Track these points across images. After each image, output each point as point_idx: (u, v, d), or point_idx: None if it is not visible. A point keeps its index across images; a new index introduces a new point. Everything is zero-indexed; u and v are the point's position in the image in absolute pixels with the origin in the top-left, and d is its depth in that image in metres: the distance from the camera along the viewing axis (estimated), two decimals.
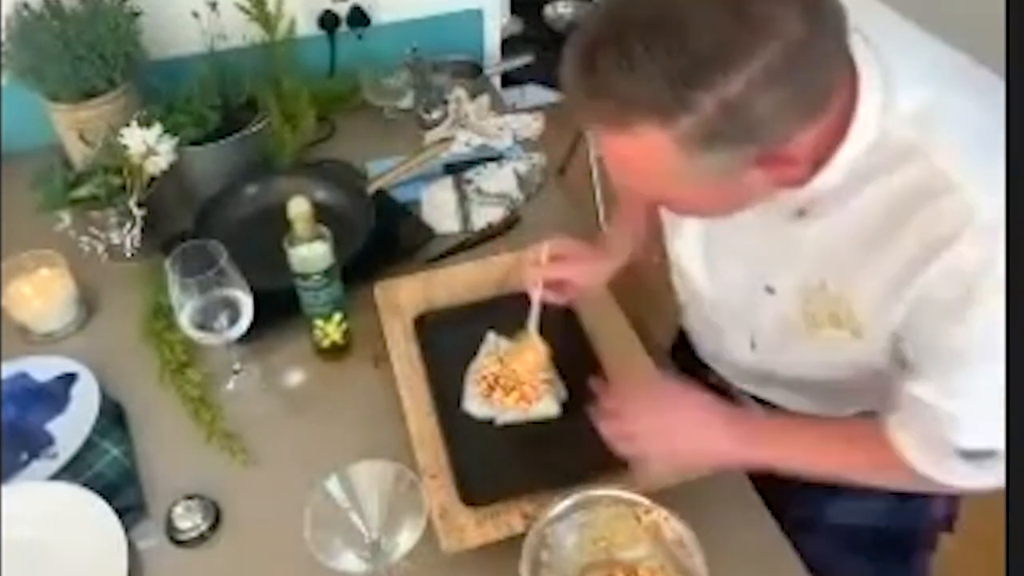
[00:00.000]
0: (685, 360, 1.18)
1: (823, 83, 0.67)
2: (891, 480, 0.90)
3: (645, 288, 1.16)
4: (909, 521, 1.13)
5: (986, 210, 0.68)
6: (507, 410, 1.05)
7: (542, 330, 1.07)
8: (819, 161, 0.74)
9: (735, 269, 0.95)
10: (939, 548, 1.19)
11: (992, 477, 0.81)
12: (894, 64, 0.72)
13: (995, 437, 0.76)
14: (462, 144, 1.52)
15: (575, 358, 1.11)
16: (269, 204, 1.34)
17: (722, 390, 1.11)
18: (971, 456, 0.79)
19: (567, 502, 0.90)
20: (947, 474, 0.82)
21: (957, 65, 0.78)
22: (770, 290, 0.90)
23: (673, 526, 0.88)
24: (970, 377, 0.76)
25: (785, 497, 0.99)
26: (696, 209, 0.83)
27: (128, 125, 1.25)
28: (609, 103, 0.66)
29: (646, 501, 0.89)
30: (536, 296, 1.05)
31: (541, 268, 1.05)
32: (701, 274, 1.00)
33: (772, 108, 0.63)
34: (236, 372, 1.15)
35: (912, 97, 0.72)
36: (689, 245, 1.00)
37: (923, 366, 0.79)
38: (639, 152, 0.68)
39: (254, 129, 1.40)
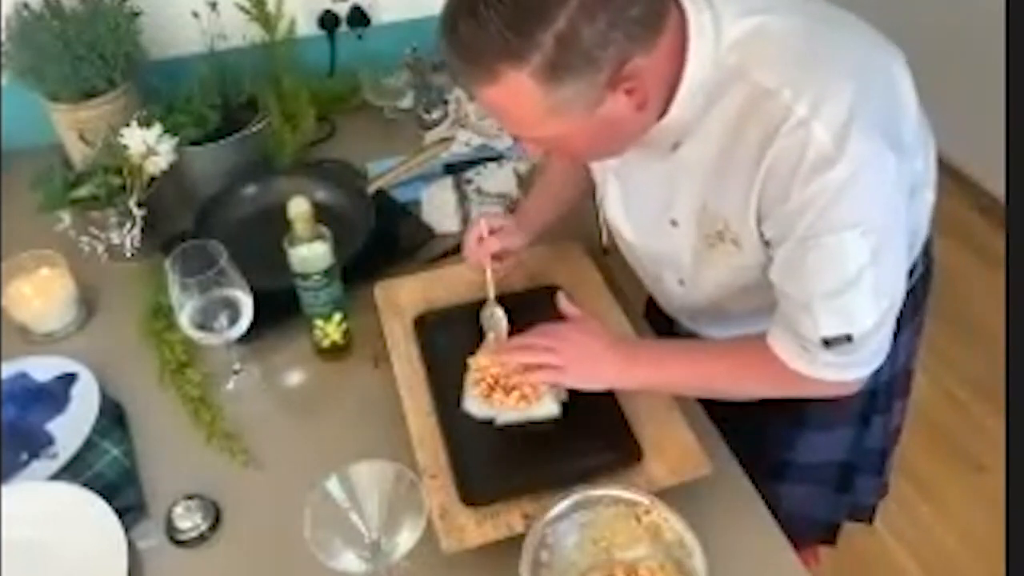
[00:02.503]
0: (657, 317, 1.25)
1: (637, 14, 0.77)
2: (768, 382, 0.97)
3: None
4: (873, 442, 1.22)
5: (799, 108, 0.79)
6: (507, 410, 1.05)
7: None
8: (669, 93, 0.85)
9: (645, 213, 1.05)
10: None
11: (856, 369, 0.91)
12: (721, 5, 0.84)
13: (846, 322, 0.86)
14: (462, 144, 1.52)
15: None
16: (269, 204, 1.34)
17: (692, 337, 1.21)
18: (830, 344, 0.87)
19: (567, 502, 0.90)
20: (812, 365, 0.90)
21: (795, 3, 0.88)
22: (674, 223, 0.99)
23: (673, 526, 0.88)
24: (800, 257, 0.85)
25: (757, 442, 1.05)
26: (586, 147, 0.92)
27: (128, 125, 1.25)
28: (473, 59, 0.78)
29: (646, 501, 0.89)
30: (490, 269, 1.15)
31: (487, 242, 1.15)
32: (625, 226, 1.08)
33: (598, 35, 0.74)
34: (236, 372, 1.15)
35: (738, 28, 0.84)
36: (612, 201, 1.08)
37: (774, 256, 0.89)
38: (508, 96, 0.79)
39: (254, 129, 1.40)
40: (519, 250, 1.19)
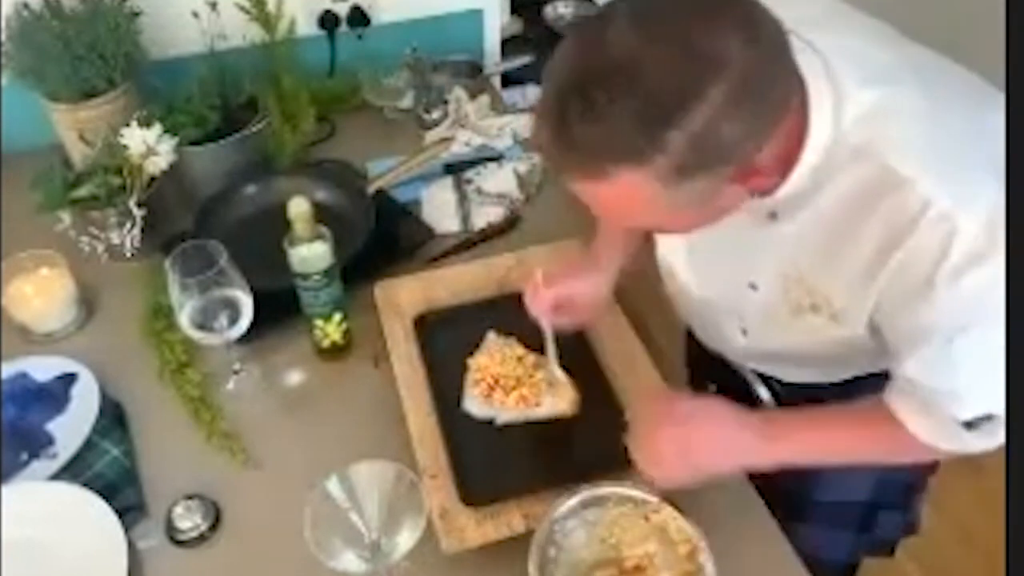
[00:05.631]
0: (697, 345, 1.20)
1: (777, 98, 0.70)
2: (906, 454, 0.93)
3: (647, 282, 1.17)
4: (899, 475, 1.17)
5: (940, 200, 0.73)
6: (507, 410, 1.05)
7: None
8: (785, 168, 0.78)
9: (719, 271, 1.00)
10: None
11: (999, 436, 0.86)
12: (841, 70, 0.76)
13: (988, 403, 0.81)
14: (462, 144, 1.52)
15: (576, 357, 1.11)
16: (269, 204, 1.33)
17: (735, 369, 1.16)
18: (971, 424, 0.83)
19: (575, 499, 0.90)
20: (953, 442, 0.86)
21: (913, 65, 0.81)
22: (753, 287, 0.95)
23: (681, 526, 0.88)
24: (946, 353, 0.80)
25: (772, 481, 1.00)
26: (680, 230, 0.88)
27: (128, 125, 1.25)
28: (583, 155, 0.68)
29: (654, 500, 0.90)
30: (548, 326, 1.04)
31: (546, 292, 1.03)
32: (688, 276, 1.05)
33: (737, 131, 0.66)
34: (236, 372, 1.15)
35: (859, 101, 0.75)
36: (674, 249, 1.05)
37: (902, 348, 0.84)
38: (619, 194, 0.70)
39: (254, 129, 1.40)
40: (593, 296, 1.07)
